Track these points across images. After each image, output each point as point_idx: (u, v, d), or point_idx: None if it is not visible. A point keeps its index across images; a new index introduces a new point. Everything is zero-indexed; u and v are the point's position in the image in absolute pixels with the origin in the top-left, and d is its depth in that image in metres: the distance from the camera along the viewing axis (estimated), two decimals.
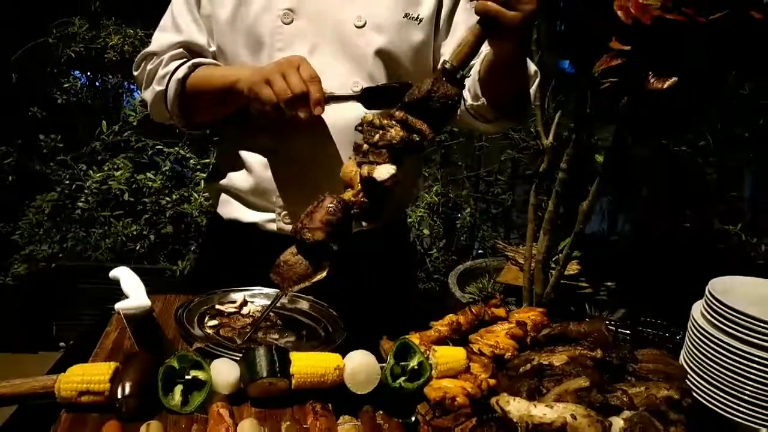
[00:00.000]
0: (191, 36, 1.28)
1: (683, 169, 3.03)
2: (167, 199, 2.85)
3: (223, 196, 1.36)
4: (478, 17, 1.01)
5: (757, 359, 0.98)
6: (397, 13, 1.23)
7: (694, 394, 0.98)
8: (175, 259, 2.81)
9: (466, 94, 1.25)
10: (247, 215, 1.33)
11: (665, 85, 1.43)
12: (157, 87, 1.27)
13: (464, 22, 1.28)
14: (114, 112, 2.96)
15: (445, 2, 1.28)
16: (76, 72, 3.04)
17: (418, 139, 1.05)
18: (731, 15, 1.32)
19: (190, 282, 2.04)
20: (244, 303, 1.19)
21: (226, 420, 0.81)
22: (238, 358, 0.92)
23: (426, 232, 2.92)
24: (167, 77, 1.25)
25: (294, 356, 0.92)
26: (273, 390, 0.89)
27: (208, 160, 2.88)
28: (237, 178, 1.32)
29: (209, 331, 1.09)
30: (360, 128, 1.08)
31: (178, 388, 0.87)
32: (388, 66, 1.24)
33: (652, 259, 2.84)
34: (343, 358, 0.94)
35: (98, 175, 2.80)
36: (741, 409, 1.00)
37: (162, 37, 1.30)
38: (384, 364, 0.94)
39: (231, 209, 1.35)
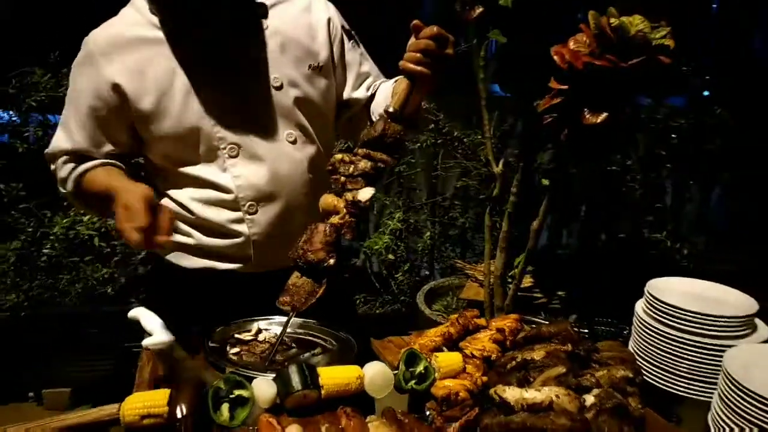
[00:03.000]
0: (79, 145, 1.41)
1: (615, 187, 3.38)
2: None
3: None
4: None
5: (689, 343, 1.23)
6: (303, 67, 1.45)
7: (644, 374, 1.22)
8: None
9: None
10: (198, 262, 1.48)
11: (599, 120, 1.68)
12: (61, 189, 1.48)
13: (354, 60, 1.55)
14: None
15: (335, 49, 1.51)
16: (37, 116, 3.05)
17: (383, 165, 1.29)
18: (645, 60, 1.58)
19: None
20: (259, 331, 1.33)
21: (276, 427, 0.96)
22: (271, 377, 1.07)
23: (391, 257, 3.11)
24: (65, 182, 1.45)
25: (320, 370, 1.08)
26: (306, 401, 1.05)
27: None
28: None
29: (233, 357, 1.24)
30: (331, 167, 1.29)
31: (225, 406, 1.01)
32: (307, 113, 1.45)
33: (595, 268, 3.15)
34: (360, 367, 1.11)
35: (65, 221, 2.83)
36: (679, 382, 1.24)
37: (56, 140, 1.45)
38: (396, 371, 1.12)
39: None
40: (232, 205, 1.42)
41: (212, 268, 1.47)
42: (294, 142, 1.43)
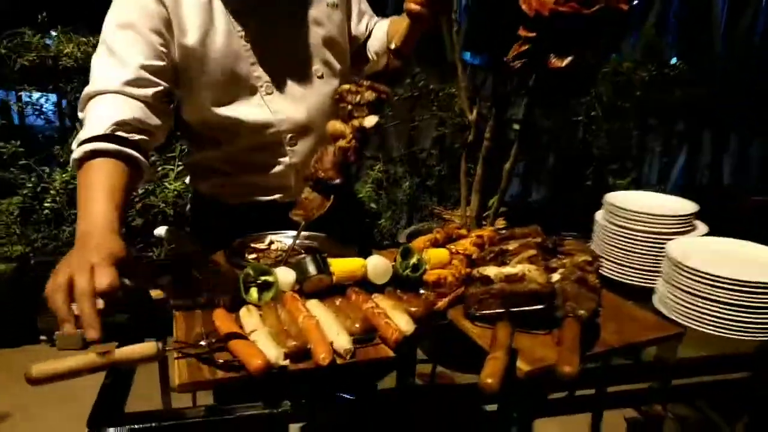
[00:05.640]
0: (133, 70, 1.29)
1: (582, 137, 3.61)
2: (133, 192, 3.05)
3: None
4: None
5: (639, 237, 1.47)
6: (322, 5, 1.59)
7: (601, 271, 1.45)
8: (147, 249, 3.02)
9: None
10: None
11: (564, 63, 1.88)
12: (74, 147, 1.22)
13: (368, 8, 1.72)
14: (74, 117, 3.11)
15: None
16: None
17: (384, 97, 1.46)
18: (605, 8, 1.78)
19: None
20: (271, 242, 1.52)
21: (299, 299, 1.16)
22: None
23: (374, 206, 3.31)
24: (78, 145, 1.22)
25: (331, 261, 1.28)
26: (320, 285, 1.25)
27: (172, 154, 3.11)
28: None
29: (251, 262, 1.43)
30: (338, 96, 1.44)
31: (254, 289, 1.21)
32: (331, 48, 1.60)
33: (563, 214, 3.41)
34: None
35: (64, 175, 2.95)
36: (632, 274, 1.48)
37: (103, 72, 1.30)
38: (394, 263, 1.33)
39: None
40: (274, 139, 1.57)
41: (255, 201, 1.63)
42: (321, 77, 1.59)
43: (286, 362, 0.99)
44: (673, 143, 4.01)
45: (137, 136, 1.27)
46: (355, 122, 1.43)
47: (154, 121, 1.33)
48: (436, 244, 1.50)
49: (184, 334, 1.09)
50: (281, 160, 1.60)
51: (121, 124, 1.24)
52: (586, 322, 1.08)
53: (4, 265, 2.85)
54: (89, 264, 0.94)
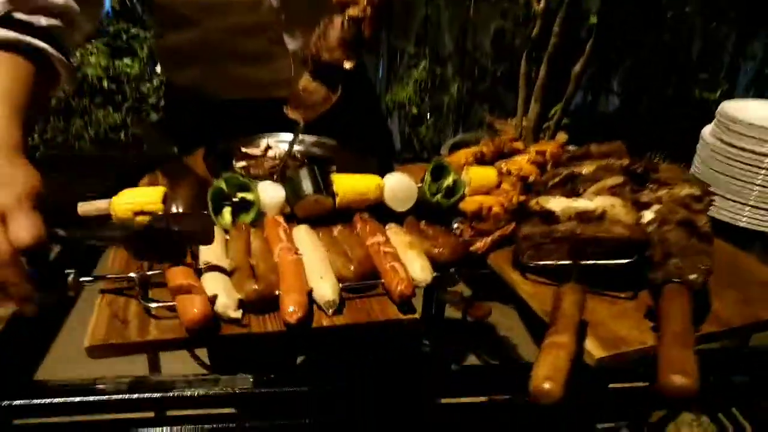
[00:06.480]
0: None
1: (668, 39, 3.03)
2: (148, 85, 2.75)
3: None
4: None
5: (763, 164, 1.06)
6: None
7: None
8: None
9: None
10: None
11: None
12: None
13: None
14: None
15: None
16: None
17: None
18: None
19: None
20: (268, 147, 1.19)
21: (282, 224, 0.84)
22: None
23: (414, 110, 2.91)
24: None
25: (335, 177, 0.95)
26: (318, 209, 0.93)
27: None
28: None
29: (239, 171, 1.10)
30: None
31: (227, 210, 0.90)
32: None
33: (637, 127, 2.92)
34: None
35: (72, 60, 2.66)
36: (757, 217, 1.08)
37: None
38: (421, 184, 0.98)
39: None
40: (269, 17, 1.19)
41: (243, 99, 1.28)
42: None
43: (238, 314, 0.69)
44: None
45: (45, 20, 0.85)
46: None
47: None
48: (481, 160, 1.13)
49: (121, 264, 0.80)
50: (276, 46, 1.23)
51: (17, 3, 0.83)
52: (698, 290, 0.72)
53: None
54: None
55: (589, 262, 0.76)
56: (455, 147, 2.85)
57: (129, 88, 2.77)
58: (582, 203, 0.83)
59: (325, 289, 0.72)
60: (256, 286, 0.71)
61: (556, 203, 0.84)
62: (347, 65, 1.01)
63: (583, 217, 0.81)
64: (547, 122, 2.66)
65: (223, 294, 0.69)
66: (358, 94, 1.10)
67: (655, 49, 2.94)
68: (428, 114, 2.97)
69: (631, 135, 2.74)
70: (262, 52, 1.23)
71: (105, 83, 2.69)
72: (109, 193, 0.89)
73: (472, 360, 2.15)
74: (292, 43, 1.23)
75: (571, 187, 0.93)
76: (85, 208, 0.87)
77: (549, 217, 0.83)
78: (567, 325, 0.63)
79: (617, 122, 3.04)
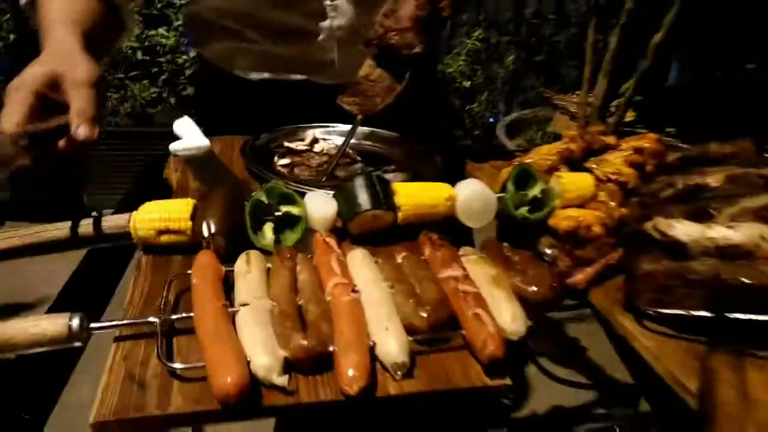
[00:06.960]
0: None
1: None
2: (184, 57, 2.60)
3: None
4: None
5: None
6: None
7: None
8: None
9: None
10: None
11: None
12: None
13: None
14: None
15: None
16: None
17: None
18: None
19: None
20: (315, 140, 1.03)
21: (335, 249, 0.68)
22: (331, 193, 0.78)
23: (466, 84, 2.69)
24: None
25: (397, 186, 0.78)
26: (377, 225, 0.76)
27: None
28: None
29: (281, 170, 0.95)
30: None
31: (269, 226, 0.74)
32: None
33: (713, 103, 2.63)
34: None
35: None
36: None
37: None
38: (501, 194, 0.80)
39: None
40: None
41: (284, 80, 1.13)
42: None
43: (284, 380, 0.54)
44: None
45: None
46: None
47: None
48: (570, 159, 0.94)
49: (142, 296, 0.66)
50: (318, 21, 1.05)
51: None
52: None
53: None
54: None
55: (739, 315, 0.58)
56: (513, 127, 2.63)
57: (165, 60, 2.64)
58: (721, 232, 0.64)
59: (393, 346, 0.56)
60: (305, 342, 0.55)
61: (684, 230, 0.66)
62: (417, 49, 0.83)
63: (725, 252, 0.62)
64: (616, 99, 2.40)
65: (265, 352, 0.54)
66: (424, 83, 0.92)
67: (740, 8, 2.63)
68: (482, 90, 2.75)
69: (702, 114, 2.47)
70: (298, 27, 1.05)
71: (139, 55, 2.56)
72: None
73: (559, 393, 1.92)
74: (337, 18, 1.05)
75: (697, 205, 0.74)
76: (104, 224, 0.73)
77: (675, 249, 0.65)
78: (732, 428, 0.45)
79: (689, 96, 2.75)
